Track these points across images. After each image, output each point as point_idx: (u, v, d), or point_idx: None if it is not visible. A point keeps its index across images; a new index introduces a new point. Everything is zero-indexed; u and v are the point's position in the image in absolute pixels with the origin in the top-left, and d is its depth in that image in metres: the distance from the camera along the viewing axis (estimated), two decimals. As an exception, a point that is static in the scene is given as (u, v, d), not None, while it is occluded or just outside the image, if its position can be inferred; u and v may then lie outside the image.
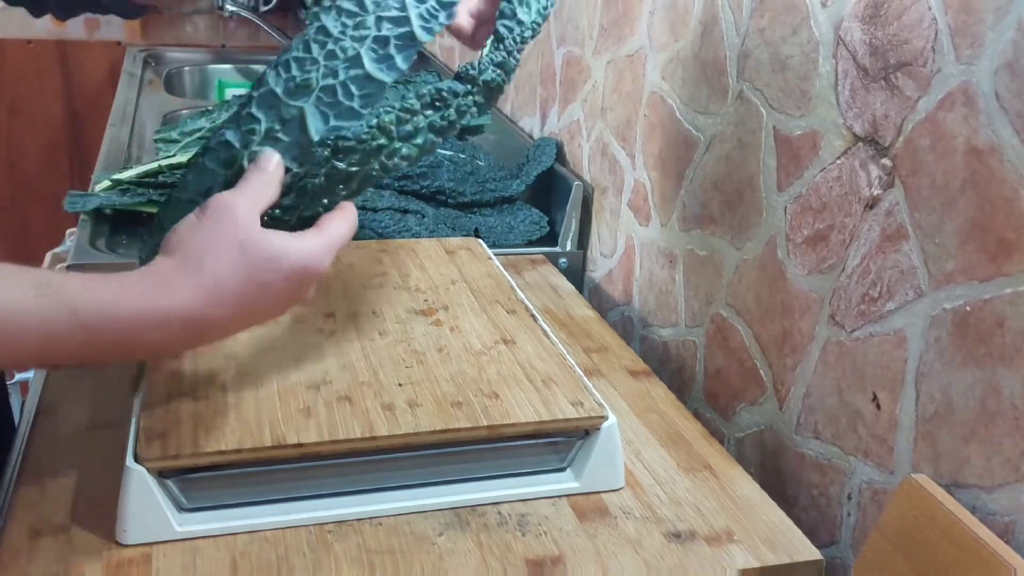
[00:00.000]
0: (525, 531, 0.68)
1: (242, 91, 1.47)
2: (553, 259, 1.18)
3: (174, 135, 1.33)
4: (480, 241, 1.03)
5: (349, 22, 0.62)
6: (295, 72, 0.61)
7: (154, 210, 1.14)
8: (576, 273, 1.20)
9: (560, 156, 1.30)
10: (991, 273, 0.60)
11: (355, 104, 0.62)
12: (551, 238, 1.21)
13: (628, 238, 1.11)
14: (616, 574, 0.65)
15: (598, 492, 0.73)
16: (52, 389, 0.82)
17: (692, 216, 0.97)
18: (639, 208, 1.08)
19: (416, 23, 0.63)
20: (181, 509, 0.66)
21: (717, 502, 0.73)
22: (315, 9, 0.63)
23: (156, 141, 1.35)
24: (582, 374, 0.76)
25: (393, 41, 0.63)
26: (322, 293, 0.87)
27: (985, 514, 0.61)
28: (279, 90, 0.61)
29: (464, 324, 0.83)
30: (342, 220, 0.64)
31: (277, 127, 0.61)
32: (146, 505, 0.64)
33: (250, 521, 0.66)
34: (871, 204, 0.71)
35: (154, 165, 1.20)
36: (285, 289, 0.60)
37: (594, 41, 1.19)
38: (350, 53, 0.62)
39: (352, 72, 0.62)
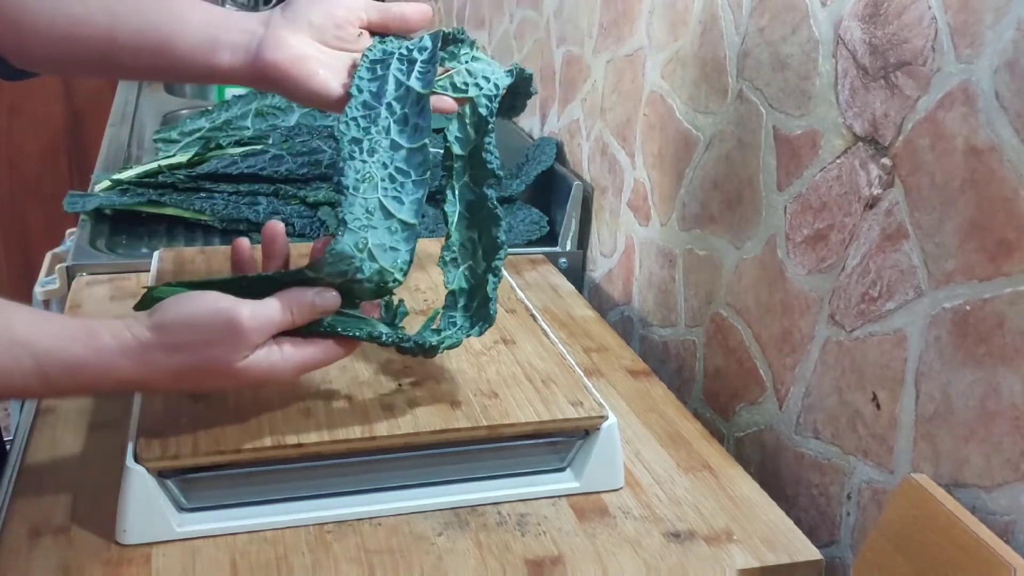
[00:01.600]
0: (524, 531, 0.68)
1: (242, 91, 1.47)
2: (553, 259, 1.18)
3: (174, 135, 1.33)
4: None
5: (365, 122, 0.67)
6: (353, 175, 0.66)
7: (154, 210, 1.14)
8: (576, 273, 1.20)
9: (560, 156, 1.30)
10: (991, 273, 0.60)
11: (413, 176, 0.68)
12: (551, 238, 1.21)
13: (628, 238, 1.11)
14: (616, 574, 0.65)
15: (598, 492, 0.73)
16: (52, 389, 0.81)
17: (692, 216, 0.97)
18: (639, 208, 1.08)
19: (416, 85, 0.68)
20: (181, 509, 0.66)
21: (717, 502, 0.73)
22: (335, 132, 0.67)
23: (156, 141, 1.35)
24: (582, 374, 0.76)
25: (411, 116, 0.68)
26: None
27: (985, 514, 0.61)
28: (352, 187, 0.66)
29: None
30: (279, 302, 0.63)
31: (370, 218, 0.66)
32: (146, 505, 0.64)
33: (250, 521, 0.66)
34: (871, 204, 0.71)
35: (154, 165, 1.20)
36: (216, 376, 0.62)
37: (593, 40, 1.19)
38: (385, 143, 0.67)
39: (397, 155, 0.68)
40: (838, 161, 0.75)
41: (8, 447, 0.92)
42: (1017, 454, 0.59)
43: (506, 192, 1.23)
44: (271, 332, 0.62)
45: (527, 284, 1.08)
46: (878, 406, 0.71)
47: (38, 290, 1.13)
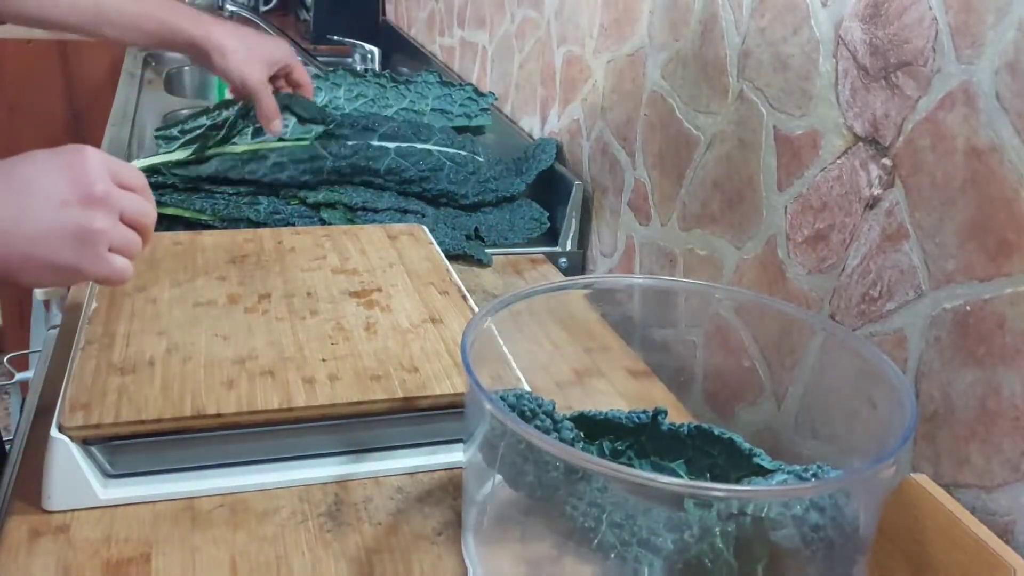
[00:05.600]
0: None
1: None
2: (553, 259, 1.18)
3: (174, 132, 1.33)
4: (424, 228, 1.05)
5: None
6: None
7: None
8: (576, 272, 1.20)
9: (560, 156, 1.30)
10: (991, 273, 0.60)
11: None
12: (551, 237, 1.21)
13: (628, 237, 1.11)
14: (616, 574, 0.65)
15: None
16: (52, 389, 0.82)
17: (692, 215, 0.97)
18: (639, 207, 1.08)
19: None
20: (107, 476, 0.68)
21: (717, 502, 0.73)
22: None
23: (156, 138, 1.35)
24: (506, 350, 0.76)
25: None
26: (260, 275, 0.89)
27: (985, 514, 0.61)
28: None
29: (395, 304, 0.86)
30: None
31: None
32: (70, 473, 0.66)
33: (175, 488, 0.68)
34: (871, 204, 0.71)
35: (154, 159, 1.20)
36: (55, 174, 0.62)
37: (594, 40, 1.19)
38: None
39: None
40: (839, 161, 0.75)
41: (8, 447, 0.92)
42: (1017, 454, 0.59)
43: (507, 191, 1.23)
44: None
45: (527, 284, 1.08)
46: (875, 406, 0.71)
47: (38, 290, 1.13)
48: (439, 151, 1.21)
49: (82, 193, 0.62)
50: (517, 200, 1.25)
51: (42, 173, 0.62)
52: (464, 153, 1.23)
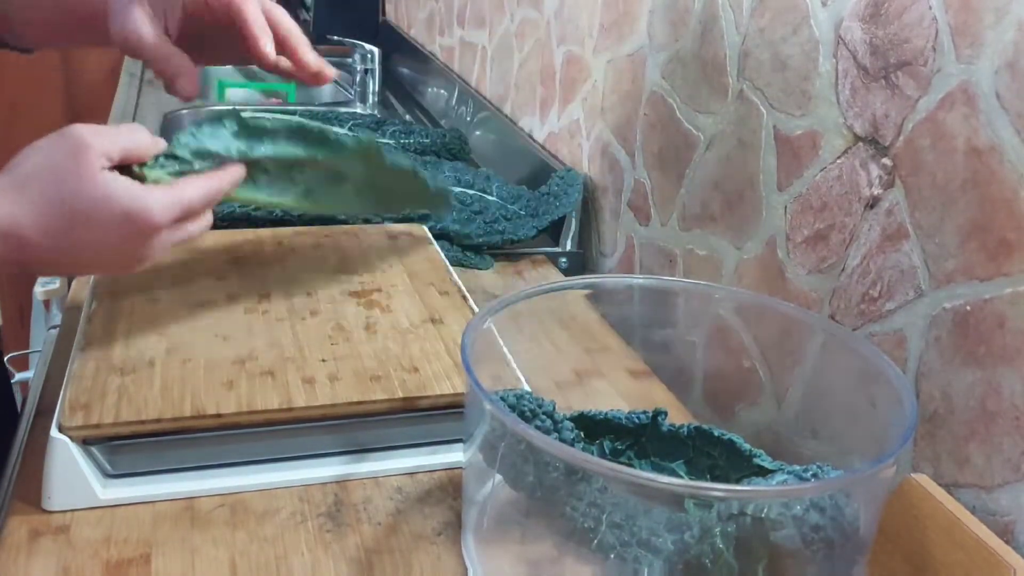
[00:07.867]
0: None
1: (242, 91, 1.47)
2: (553, 259, 1.18)
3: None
4: (424, 227, 1.04)
5: None
6: None
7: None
8: (576, 273, 1.20)
9: (560, 156, 1.30)
10: (991, 273, 0.60)
11: None
12: (551, 238, 1.21)
13: (628, 238, 1.11)
14: (616, 574, 0.65)
15: None
16: (52, 389, 0.82)
17: (692, 216, 0.97)
18: (639, 208, 1.08)
19: None
20: (107, 476, 0.68)
21: (717, 502, 0.73)
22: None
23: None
24: (506, 351, 0.76)
25: None
26: (259, 275, 0.89)
27: (985, 514, 0.61)
28: None
29: (395, 304, 0.86)
30: (201, 181, 0.68)
31: None
32: (70, 472, 0.66)
33: (175, 488, 0.69)
34: (871, 204, 0.71)
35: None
36: (116, 234, 0.62)
37: (594, 40, 1.19)
38: None
39: None
40: (838, 161, 0.75)
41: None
42: (1017, 454, 0.59)
43: (515, 235, 1.15)
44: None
45: (527, 284, 1.08)
46: (875, 406, 0.71)
47: (38, 290, 1.13)
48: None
49: (140, 255, 0.65)
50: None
51: (100, 244, 0.63)
52: (472, 192, 1.17)
